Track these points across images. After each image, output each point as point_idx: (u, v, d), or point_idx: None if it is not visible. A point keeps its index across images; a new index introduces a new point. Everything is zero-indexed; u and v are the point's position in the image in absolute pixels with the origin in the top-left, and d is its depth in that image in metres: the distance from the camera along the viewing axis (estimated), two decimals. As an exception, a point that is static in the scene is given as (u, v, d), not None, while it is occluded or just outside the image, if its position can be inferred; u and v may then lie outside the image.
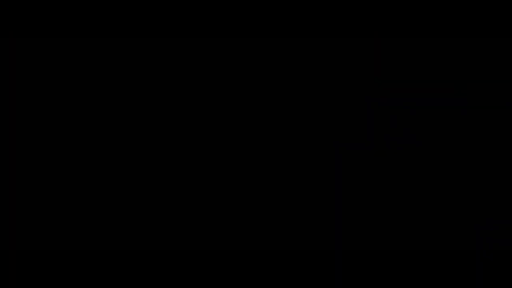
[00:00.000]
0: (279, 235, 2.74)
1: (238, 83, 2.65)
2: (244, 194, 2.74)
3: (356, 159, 2.77)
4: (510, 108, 2.55)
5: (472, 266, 2.37)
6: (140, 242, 2.70)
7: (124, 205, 2.66)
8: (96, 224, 2.62)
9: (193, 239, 2.71)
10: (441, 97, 2.64)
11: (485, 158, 2.78)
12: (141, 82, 2.65)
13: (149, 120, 2.68)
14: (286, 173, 2.70)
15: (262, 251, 2.81)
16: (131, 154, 2.66)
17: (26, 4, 2.53)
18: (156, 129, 2.68)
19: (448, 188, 2.64)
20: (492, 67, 2.57)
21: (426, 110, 2.67)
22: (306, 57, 2.64)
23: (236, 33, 2.61)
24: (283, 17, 2.59)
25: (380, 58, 2.63)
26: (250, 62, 2.64)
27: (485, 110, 2.60)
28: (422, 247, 2.45)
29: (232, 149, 2.69)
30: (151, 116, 2.68)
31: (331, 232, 2.70)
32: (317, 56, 2.64)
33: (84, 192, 2.62)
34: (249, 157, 2.73)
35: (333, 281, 2.61)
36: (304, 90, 2.65)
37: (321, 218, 2.70)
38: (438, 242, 2.38)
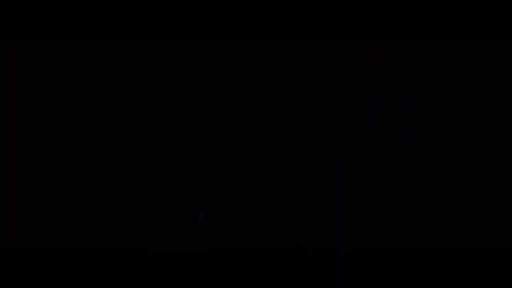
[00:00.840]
0: (279, 235, 2.74)
1: (238, 83, 2.65)
2: (245, 194, 2.74)
3: (356, 159, 2.77)
4: (510, 108, 2.55)
5: (472, 266, 2.37)
6: (139, 242, 2.70)
7: (124, 205, 2.66)
8: (96, 224, 2.62)
9: (193, 239, 2.71)
10: (441, 97, 2.64)
11: (485, 158, 2.77)
12: (141, 82, 2.65)
13: (149, 120, 2.68)
14: (286, 172, 2.70)
15: (262, 251, 2.81)
16: (130, 154, 2.66)
17: (26, 4, 2.53)
18: (156, 129, 2.68)
19: (448, 187, 2.64)
20: (492, 67, 2.57)
21: (426, 110, 2.67)
22: (306, 57, 2.64)
23: (236, 33, 2.61)
24: (283, 17, 2.59)
25: (380, 58, 2.64)
26: (250, 62, 2.64)
27: (485, 110, 2.60)
28: (422, 247, 2.45)
29: (233, 149, 2.69)
30: (151, 116, 2.68)
31: (331, 232, 2.70)
32: (317, 56, 2.64)
33: (84, 193, 2.62)
34: (249, 157, 2.73)
35: (333, 281, 2.60)
36: (305, 90, 2.65)
37: (321, 218, 2.70)
38: (438, 242, 2.38)
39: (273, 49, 2.65)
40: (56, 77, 2.61)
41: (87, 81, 2.62)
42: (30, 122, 2.61)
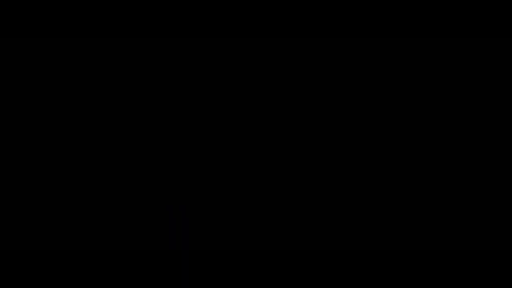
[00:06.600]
0: (279, 235, 2.74)
1: (238, 84, 2.66)
2: (245, 194, 2.74)
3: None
4: (510, 108, 2.55)
5: (469, 265, 2.37)
6: (139, 243, 2.70)
7: (124, 205, 2.66)
8: (96, 224, 2.62)
9: (194, 238, 2.71)
10: (440, 97, 2.65)
11: (485, 157, 2.78)
12: (141, 82, 2.65)
13: (148, 120, 2.68)
14: (287, 172, 2.70)
15: (262, 252, 2.81)
16: (129, 154, 2.66)
17: (26, 4, 2.53)
18: (155, 129, 2.68)
19: (447, 188, 2.64)
20: (492, 67, 2.57)
21: (424, 110, 2.68)
22: (306, 57, 2.64)
23: (237, 33, 2.61)
24: (283, 17, 2.59)
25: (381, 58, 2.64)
26: (250, 62, 2.64)
27: (485, 110, 2.61)
28: (422, 247, 2.46)
29: (234, 148, 2.69)
30: (151, 116, 2.68)
31: (331, 232, 2.70)
32: (317, 56, 2.64)
33: (83, 192, 2.62)
34: (250, 156, 2.73)
35: (332, 281, 2.61)
36: (305, 91, 2.65)
37: (322, 218, 2.70)
38: (438, 242, 2.39)
39: (273, 49, 2.66)
40: (56, 77, 2.61)
41: (86, 81, 2.62)
42: (30, 122, 2.61)
